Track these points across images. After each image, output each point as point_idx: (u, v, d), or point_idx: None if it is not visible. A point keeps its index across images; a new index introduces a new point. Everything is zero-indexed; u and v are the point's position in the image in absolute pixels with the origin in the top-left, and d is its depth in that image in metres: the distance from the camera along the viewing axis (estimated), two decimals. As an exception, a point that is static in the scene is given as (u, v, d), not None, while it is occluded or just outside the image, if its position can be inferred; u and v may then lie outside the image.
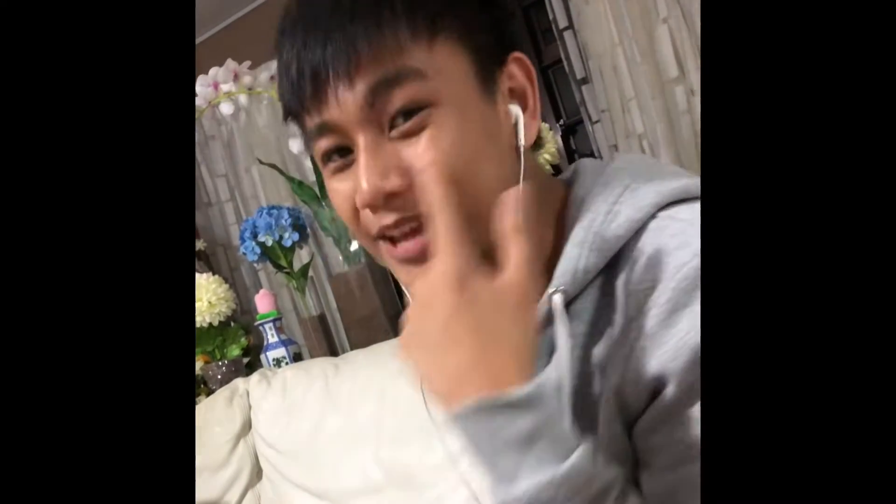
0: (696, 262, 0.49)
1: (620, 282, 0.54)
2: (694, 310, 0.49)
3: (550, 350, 0.51)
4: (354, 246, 1.69)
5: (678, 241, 0.51)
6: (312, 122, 0.55)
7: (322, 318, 1.78)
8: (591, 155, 2.06)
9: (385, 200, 0.53)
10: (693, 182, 0.55)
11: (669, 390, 0.50)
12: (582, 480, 0.46)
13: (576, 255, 0.54)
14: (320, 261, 2.41)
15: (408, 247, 0.54)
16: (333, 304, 1.87)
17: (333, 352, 1.75)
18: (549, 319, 0.53)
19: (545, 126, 1.73)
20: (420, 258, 0.53)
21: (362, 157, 0.53)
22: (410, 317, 0.50)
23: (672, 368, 0.49)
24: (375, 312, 1.65)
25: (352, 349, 1.66)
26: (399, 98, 0.52)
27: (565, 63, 2.08)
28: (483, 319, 0.47)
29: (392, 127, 0.53)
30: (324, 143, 0.55)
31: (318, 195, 1.68)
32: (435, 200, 0.49)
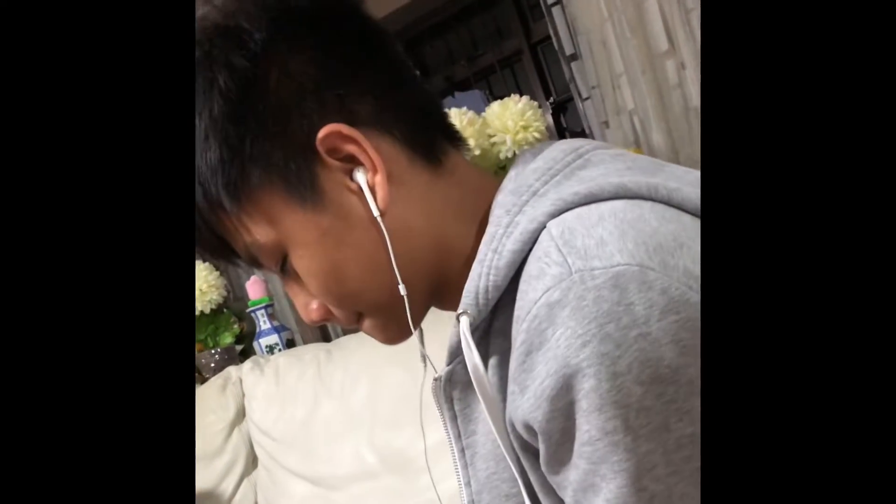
0: (546, 298, 0.45)
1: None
2: (547, 352, 0.45)
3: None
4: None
5: (538, 267, 0.47)
6: None
7: (314, 304, 1.77)
8: (582, 133, 2.05)
9: (322, 320, 0.62)
10: (609, 182, 0.50)
11: (540, 438, 0.48)
12: None
13: (477, 275, 0.51)
14: (312, 245, 2.39)
15: (360, 327, 0.63)
16: (325, 289, 1.85)
17: (326, 337, 1.74)
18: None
19: (534, 104, 1.70)
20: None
21: (293, 299, 0.63)
22: None
23: (535, 417, 0.47)
24: (367, 296, 1.63)
25: (344, 334, 1.65)
26: (268, 265, 0.59)
27: (554, 39, 2.05)
28: None
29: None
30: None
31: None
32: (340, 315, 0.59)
